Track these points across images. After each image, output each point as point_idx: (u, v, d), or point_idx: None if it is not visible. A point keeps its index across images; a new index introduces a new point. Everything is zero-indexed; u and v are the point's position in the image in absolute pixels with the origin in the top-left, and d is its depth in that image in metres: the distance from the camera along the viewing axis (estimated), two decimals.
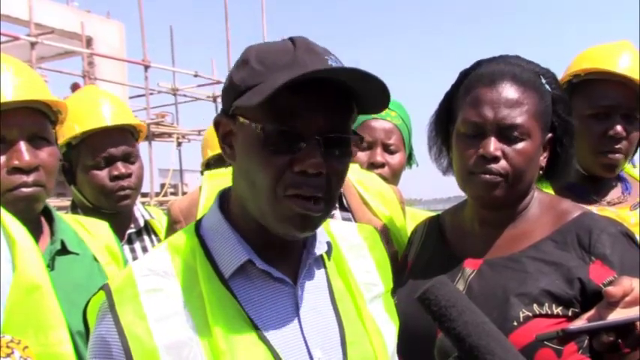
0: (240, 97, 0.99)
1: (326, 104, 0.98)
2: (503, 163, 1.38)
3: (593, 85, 1.93)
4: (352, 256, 1.19)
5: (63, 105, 1.63)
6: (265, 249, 1.05)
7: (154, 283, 1.00)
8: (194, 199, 1.72)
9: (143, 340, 0.94)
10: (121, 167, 2.24)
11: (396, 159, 2.16)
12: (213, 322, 0.97)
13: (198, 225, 1.10)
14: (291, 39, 1.03)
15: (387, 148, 2.15)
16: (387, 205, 1.81)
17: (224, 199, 1.11)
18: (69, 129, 2.19)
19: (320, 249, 1.11)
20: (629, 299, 1.10)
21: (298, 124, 0.97)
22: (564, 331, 1.08)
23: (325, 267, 1.14)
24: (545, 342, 1.22)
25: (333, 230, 1.20)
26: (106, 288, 1.01)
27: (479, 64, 1.51)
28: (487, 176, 1.38)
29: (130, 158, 2.28)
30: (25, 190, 1.47)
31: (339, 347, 1.06)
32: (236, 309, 1.00)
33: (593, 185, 1.97)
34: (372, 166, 2.10)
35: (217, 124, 1.08)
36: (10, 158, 1.47)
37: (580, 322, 1.12)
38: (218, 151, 3.04)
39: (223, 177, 1.75)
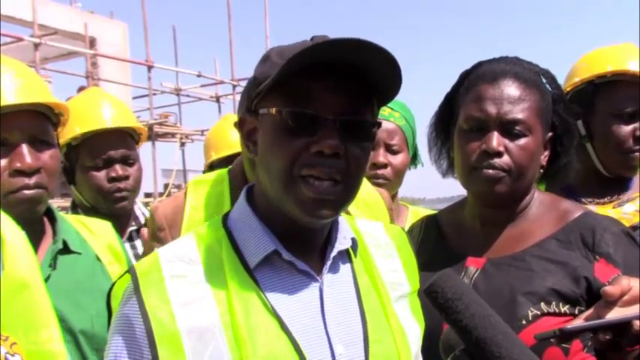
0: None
1: (341, 87, 1.00)
2: (506, 158, 1.38)
3: (618, 87, 1.94)
4: (379, 255, 1.19)
5: (64, 107, 1.63)
6: (291, 241, 1.05)
7: (180, 269, 1.02)
8: (179, 206, 1.67)
9: (166, 323, 0.95)
10: (118, 169, 2.26)
11: (398, 159, 2.17)
12: (236, 310, 0.98)
13: (225, 217, 1.12)
14: (313, 37, 1.06)
15: (389, 149, 2.16)
16: (372, 211, 1.77)
17: (251, 192, 1.13)
18: (69, 130, 2.21)
19: (344, 244, 1.11)
20: (627, 298, 1.11)
21: (314, 106, 0.99)
22: (561, 330, 1.08)
23: (352, 263, 1.14)
24: (551, 340, 1.22)
25: (360, 228, 1.21)
26: (131, 271, 1.02)
27: (480, 64, 1.51)
28: (490, 171, 1.38)
29: (128, 160, 2.30)
30: (26, 192, 1.48)
31: (362, 344, 1.06)
32: (260, 299, 1.01)
33: (597, 186, 1.97)
34: (374, 166, 2.12)
35: (242, 121, 1.10)
36: (12, 161, 1.47)
37: (578, 322, 1.13)
38: (223, 154, 3.03)
39: (209, 184, 1.73)
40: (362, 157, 1.04)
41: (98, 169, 2.25)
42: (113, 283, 1.06)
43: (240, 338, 0.96)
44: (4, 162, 1.47)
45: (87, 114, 2.27)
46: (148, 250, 1.79)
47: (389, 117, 2.17)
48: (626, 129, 1.90)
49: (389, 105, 2.18)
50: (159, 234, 1.66)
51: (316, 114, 0.99)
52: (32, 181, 1.49)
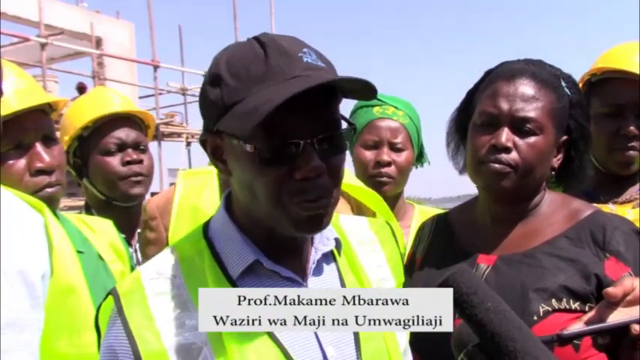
0: (223, 117, 0.96)
1: (312, 106, 0.95)
2: (514, 154, 1.39)
3: (608, 84, 1.92)
4: (363, 252, 1.18)
5: (62, 103, 1.68)
6: (272, 249, 1.04)
7: (162, 286, 1.01)
8: (169, 197, 1.81)
9: (151, 342, 0.95)
10: (132, 153, 2.28)
11: (402, 157, 2.16)
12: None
13: (206, 227, 1.10)
14: (258, 40, 0.99)
15: (393, 147, 2.15)
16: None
17: (229, 200, 1.10)
18: (79, 120, 2.26)
19: (328, 246, 1.10)
20: (630, 299, 1.11)
21: (290, 133, 0.95)
22: (559, 335, 1.09)
23: (337, 263, 1.13)
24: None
25: (344, 225, 1.20)
26: (114, 292, 1.02)
27: (502, 64, 1.54)
28: (497, 165, 1.39)
29: (140, 147, 2.32)
30: (49, 190, 1.52)
31: (353, 344, 1.05)
32: None
33: (611, 185, 1.95)
34: (378, 164, 2.11)
35: (204, 142, 1.05)
36: (32, 161, 1.50)
37: (577, 325, 1.13)
38: None
39: (199, 176, 1.82)
40: (341, 164, 1.02)
41: (112, 155, 2.25)
42: (98, 308, 1.06)
43: (228, 350, 0.95)
44: (23, 163, 1.50)
45: (95, 103, 2.34)
46: (143, 239, 1.91)
47: (393, 115, 2.16)
48: (612, 127, 1.87)
49: (393, 104, 2.17)
50: (151, 222, 1.80)
51: (294, 141, 0.95)
52: (53, 178, 1.52)
